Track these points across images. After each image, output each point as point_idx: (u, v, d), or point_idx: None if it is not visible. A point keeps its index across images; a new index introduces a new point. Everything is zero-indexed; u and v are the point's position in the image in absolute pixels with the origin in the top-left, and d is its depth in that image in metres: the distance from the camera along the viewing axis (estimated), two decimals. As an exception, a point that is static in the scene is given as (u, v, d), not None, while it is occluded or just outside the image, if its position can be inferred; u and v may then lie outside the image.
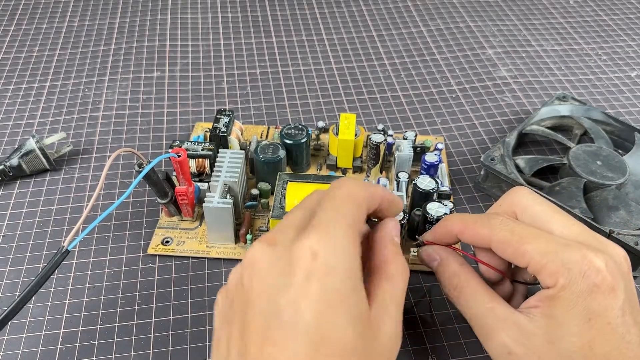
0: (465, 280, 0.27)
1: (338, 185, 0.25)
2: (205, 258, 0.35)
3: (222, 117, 0.40)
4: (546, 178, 0.41)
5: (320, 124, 0.43)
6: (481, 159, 0.39)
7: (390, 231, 0.26)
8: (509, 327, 0.25)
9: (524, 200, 0.27)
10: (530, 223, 0.26)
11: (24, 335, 0.31)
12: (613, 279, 0.23)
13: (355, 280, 0.22)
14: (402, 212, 0.33)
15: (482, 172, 0.40)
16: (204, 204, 0.34)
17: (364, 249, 0.26)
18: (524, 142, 0.45)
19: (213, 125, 0.40)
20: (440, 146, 0.41)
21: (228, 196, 0.35)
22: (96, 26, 0.58)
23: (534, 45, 0.57)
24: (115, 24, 0.59)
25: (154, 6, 0.62)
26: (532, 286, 0.29)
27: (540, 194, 0.29)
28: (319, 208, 0.24)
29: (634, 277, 0.35)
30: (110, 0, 0.63)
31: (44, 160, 0.40)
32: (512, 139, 0.41)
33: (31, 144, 0.40)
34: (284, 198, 0.34)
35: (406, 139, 0.40)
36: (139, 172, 0.33)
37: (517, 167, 0.39)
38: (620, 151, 0.42)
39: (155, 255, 0.36)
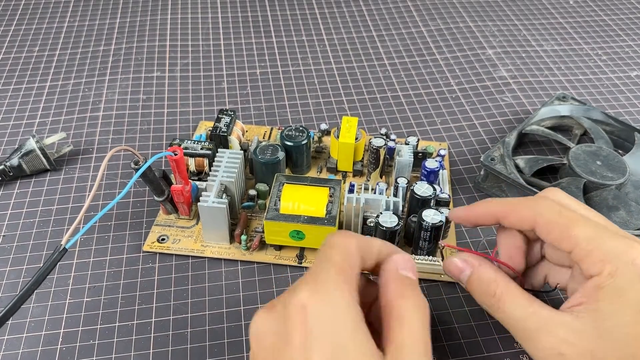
0: (504, 286, 0.26)
1: (330, 236, 0.24)
2: (205, 258, 0.36)
3: (224, 116, 0.40)
4: (546, 178, 0.41)
5: (323, 126, 0.43)
6: (481, 159, 0.39)
7: (394, 265, 0.25)
8: (556, 329, 0.24)
9: (564, 199, 0.27)
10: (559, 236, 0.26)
11: (24, 335, 0.31)
12: None
13: (354, 328, 0.21)
14: (397, 218, 0.33)
15: (482, 172, 0.40)
16: (199, 203, 0.34)
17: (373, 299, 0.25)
18: (524, 142, 0.45)
19: (214, 124, 0.40)
20: (443, 152, 0.41)
21: (224, 196, 0.35)
22: (96, 26, 0.58)
23: (534, 45, 0.57)
24: (115, 24, 0.59)
25: (154, 6, 0.62)
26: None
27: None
28: (314, 263, 0.23)
29: None
30: (110, 1, 0.63)
31: (44, 160, 0.40)
32: (512, 139, 0.41)
33: (31, 144, 0.40)
34: (279, 200, 0.34)
35: (408, 143, 0.40)
36: (136, 170, 0.33)
37: (517, 167, 0.39)
38: (620, 151, 0.42)
39: (155, 254, 0.36)
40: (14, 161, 0.40)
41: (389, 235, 0.33)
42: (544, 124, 0.44)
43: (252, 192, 0.38)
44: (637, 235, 0.34)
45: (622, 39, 0.59)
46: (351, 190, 0.37)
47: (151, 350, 0.31)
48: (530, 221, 0.26)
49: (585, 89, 0.51)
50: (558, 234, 0.25)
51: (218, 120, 0.40)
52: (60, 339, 0.31)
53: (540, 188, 0.38)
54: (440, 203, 0.36)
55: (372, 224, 0.35)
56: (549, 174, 0.41)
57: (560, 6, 0.64)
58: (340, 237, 0.24)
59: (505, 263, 0.28)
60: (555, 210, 0.25)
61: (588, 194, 0.38)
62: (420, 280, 0.34)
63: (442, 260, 0.34)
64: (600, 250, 0.23)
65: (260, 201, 0.38)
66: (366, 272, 0.26)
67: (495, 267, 0.28)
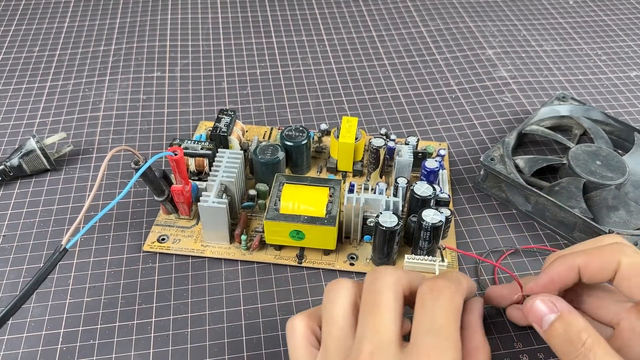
0: (596, 337, 0.24)
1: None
2: (205, 258, 0.36)
3: (224, 116, 0.41)
4: (546, 178, 0.41)
5: (323, 126, 0.43)
6: (481, 159, 0.39)
7: (480, 316, 0.27)
8: None
9: (628, 248, 0.26)
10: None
11: (25, 335, 0.31)
12: None
13: None
14: (396, 218, 0.33)
15: (481, 172, 0.40)
16: (199, 203, 0.34)
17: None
18: (524, 142, 0.45)
19: (214, 124, 0.40)
20: (442, 152, 0.41)
21: (224, 196, 0.35)
22: (96, 26, 0.58)
23: (534, 46, 0.57)
24: (115, 24, 0.59)
25: (154, 6, 0.62)
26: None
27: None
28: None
29: None
30: (111, 1, 0.63)
31: (44, 160, 0.40)
32: (511, 139, 0.41)
33: (32, 144, 0.40)
34: (279, 200, 0.34)
35: (408, 144, 0.40)
36: (136, 170, 0.33)
37: (516, 167, 0.39)
38: (619, 151, 0.42)
39: (155, 254, 0.36)
40: (14, 161, 0.40)
41: (388, 235, 0.33)
42: (543, 124, 0.44)
43: (252, 192, 0.38)
44: (636, 235, 0.34)
45: (622, 39, 0.59)
46: (351, 190, 0.37)
47: (151, 350, 0.31)
48: (612, 268, 0.25)
49: (585, 89, 0.51)
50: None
51: (218, 120, 0.40)
52: (61, 339, 0.31)
53: (540, 188, 0.38)
54: (440, 203, 0.36)
55: (372, 224, 0.35)
56: (548, 174, 0.41)
57: (560, 6, 0.64)
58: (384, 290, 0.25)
59: (517, 280, 0.29)
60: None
61: (588, 193, 0.38)
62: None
63: (442, 259, 0.34)
64: None
65: (260, 201, 0.38)
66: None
67: (584, 316, 0.26)
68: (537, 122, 0.44)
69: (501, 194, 0.40)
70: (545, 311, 0.26)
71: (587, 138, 0.44)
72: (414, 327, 0.24)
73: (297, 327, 0.26)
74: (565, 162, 0.40)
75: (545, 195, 0.37)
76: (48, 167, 0.41)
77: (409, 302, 0.26)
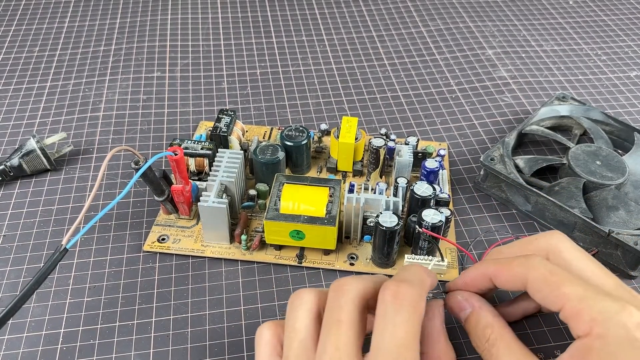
0: (499, 333, 0.26)
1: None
2: (205, 258, 0.36)
3: (224, 116, 0.41)
4: (545, 178, 0.41)
5: (323, 126, 0.43)
6: (481, 159, 0.39)
7: (442, 322, 0.27)
8: None
9: (560, 244, 0.27)
10: (563, 266, 0.26)
11: (25, 334, 0.31)
12: None
13: None
14: (396, 218, 0.33)
15: (481, 172, 0.40)
16: (199, 203, 0.34)
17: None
18: (524, 142, 0.45)
19: (214, 124, 0.40)
20: (442, 152, 0.41)
21: (224, 196, 0.35)
22: (96, 26, 0.58)
23: (534, 46, 0.57)
24: (115, 24, 0.59)
25: (154, 6, 0.62)
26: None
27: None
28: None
29: (634, 277, 0.35)
30: (111, 1, 0.63)
31: (44, 160, 0.40)
32: (511, 139, 0.41)
33: (32, 144, 0.40)
34: (279, 200, 0.34)
35: (408, 144, 0.40)
36: (136, 170, 0.33)
37: (516, 167, 0.40)
38: (619, 151, 0.42)
39: (155, 254, 0.36)
40: (15, 161, 0.40)
41: (388, 235, 0.33)
42: (543, 124, 0.44)
43: (252, 192, 0.38)
44: (636, 235, 0.34)
45: (622, 39, 0.59)
46: (351, 190, 0.37)
47: (151, 350, 0.31)
48: (522, 279, 0.25)
49: (585, 89, 0.51)
50: (548, 293, 0.24)
51: (218, 120, 0.40)
52: (61, 339, 0.31)
53: (540, 188, 0.38)
54: (440, 203, 0.36)
55: (372, 224, 0.35)
56: (548, 174, 0.41)
57: (560, 6, 0.64)
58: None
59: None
60: (547, 269, 0.25)
61: (588, 193, 0.38)
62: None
63: (442, 258, 0.34)
64: (591, 310, 0.22)
65: (260, 201, 0.38)
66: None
67: (495, 312, 0.27)
68: (537, 122, 0.44)
69: (501, 194, 0.40)
70: (461, 305, 0.28)
71: (587, 138, 0.44)
72: (373, 339, 0.23)
73: (264, 335, 0.26)
74: (565, 162, 0.40)
75: (545, 195, 0.37)
76: (48, 167, 0.41)
77: (374, 308, 0.25)
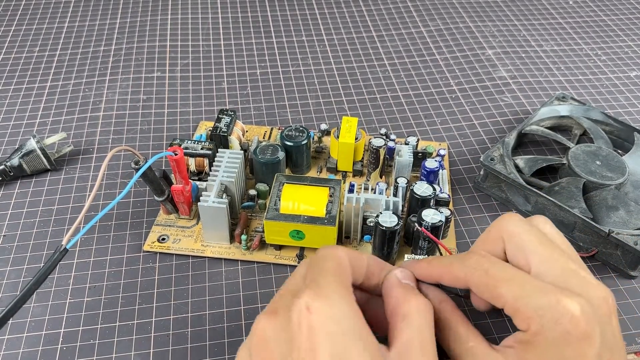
0: (445, 319, 0.26)
1: (322, 249, 0.25)
2: (205, 258, 0.36)
3: (224, 116, 0.41)
4: (545, 178, 0.41)
5: (323, 126, 0.43)
6: (481, 159, 0.39)
7: (395, 276, 0.26)
8: None
9: (512, 227, 0.26)
10: (514, 252, 0.26)
11: (25, 334, 0.31)
12: (587, 324, 0.22)
13: (358, 327, 0.22)
14: (396, 218, 0.33)
15: (481, 172, 0.40)
16: (199, 203, 0.34)
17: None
18: (524, 142, 0.45)
19: (214, 124, 0.40)
20: (442, 152, 0.41)
21: (224, 196, 0.35)
22: (96, 26, 0.58)
23: (534, 46, 0.57)
24: (115, 24, 0.59)
25: (154, 6, 0.62)
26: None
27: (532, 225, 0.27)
28: (308, 271, 0.24)
29: (634, 277, 0.35)
30: (111, 1, 0.63)
31: (44, 160, 0.40)
32: (511, 139, 0.41)
33: (32, 144, 0.40)
34: (279, 200, 0.34)
35: (408, 144, 0.40)
36: (136, 170, 0.33)
37: (516, 167, 0.40)
38: (619, 151, 0.42)
39: (155, 254, 0.36)
40: (15, 161, 0.40)
41: (388, 235, 0.33)
42: (543, 124, 0.44)
43: (252, 192, 0.38)
44: (636, 235, 0.34)
45: (622, 39, 0.59)
46: (351, 190, 0.37)
47: (151, 350, 0.31)
48: (463, 282, 0.25)
49: (584, 89, 0.51)
50: (489, 294, 0.24)
51: (218, 120, 0.40)
52: (61, 339, 0.31)
53: (540, 188, 0.38)
54: (440, 203, 0.36)
55: (372, 224, 0.35)
56: (548, 174, 0.41)
57: (560, 6, 0.64)
58: (332, 249, 0.25)
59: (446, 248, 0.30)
60: (482, 270, 0.25)
61: (587, 193, 0.38)
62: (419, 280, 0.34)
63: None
64: (527, 307, 0.23)
65: (260, 201, 0.38)
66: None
67: (442, 297, 0.27)
68: (537, 122, 0.44)
69: (501, 194, 0.40)
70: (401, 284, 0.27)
71: (587, 138, 0.44)
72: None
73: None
74: (565, 162, 0.40)
75: (545, 195, 0.37)
76: (48, 167, 0.41)
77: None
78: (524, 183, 0.38)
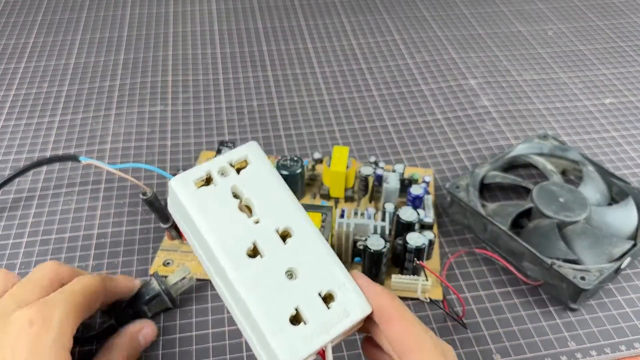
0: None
1: (56, 266, 0.31)
2: (207, 280, 0.38)
3: (224, 148, 0.44)
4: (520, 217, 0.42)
5: (316, 155, 0.47)
6: (446, 186, 0.42)
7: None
8: None
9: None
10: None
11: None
12: None
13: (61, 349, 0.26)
14: (383, 241, 0.36)
15: (448, 199, 0.43)
16: None
17: None
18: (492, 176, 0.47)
19: (215, 155, 0.43)
20: (427, 179, 0.44)
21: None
22: (102, 63, 0.62)
23: (514, 75, 0.61)
24: (119, 60, 0.62)
25: (157, 43, 0.65)
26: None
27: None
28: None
29: (575, 309, 0.37)
30: (115, 38, 0.66)
31: (167, 300, 0.35)
32: (482, 171, 0.44)
33: (154, 286, 0.35)
34: None
35: (395, 171, 0.44)
36: (144, 200, 0.36)
37: (483, 206, 0.41)
38: (573, 182, 0.45)
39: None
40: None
41: (376, 257, 0.36)
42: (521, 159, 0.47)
43: (251, 218, 0.41)
44: (577, 270, 0.36)
45: (597, 67, 0.63)
46: (342, 216, 0.40)
47: (159, 367, 0.33)
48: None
49: (561, 116, 0.55)
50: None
51: (219, 151, 0.43)
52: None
53: (518, 233, 0.40)
54: (424, 226, 0.39)
55: (361, 247, 0.38)
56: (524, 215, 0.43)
57: (539, 37, 0.68)
58: (82, 276, 0.31)
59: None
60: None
61: (561, 230, 0.39)
62: (406, 298, 0.37)
63: (426, 279, 0.37)
64: None
65: (258, 227, 0.41)
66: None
67: None
68: (512, 157, 0.46)
69: (464, 220, 0.42)
70: None
71: (576, 178, 0.46)
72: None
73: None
74: (532, 205, 0.41)
75: (497, 224, 0.39)
76: (170, 306, 0.36)
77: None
78: (482, 212, 0.40)
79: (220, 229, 0.22)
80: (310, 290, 0.21)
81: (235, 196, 0.23)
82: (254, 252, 0.22)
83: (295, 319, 0.21)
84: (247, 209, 0.23)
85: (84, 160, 0.39)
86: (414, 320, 0.24)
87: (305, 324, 0.21)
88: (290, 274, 0.22)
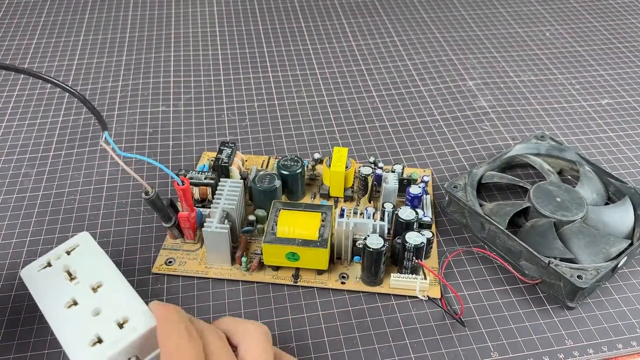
0: None
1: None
2: (209, 279, 0.39)
3: (225, 148, 0.44)
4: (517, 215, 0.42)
5: (316, 155, 0.47)
6: (445, 185, 0.43)
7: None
8: None
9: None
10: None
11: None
12: None
13: None
14: (382, 240, 0.36)
15: (446, 198, 0.43)
16: (203, 229, 0.38)
17: None
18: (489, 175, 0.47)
19: (216, 156, 0.44)
20: (426, 179, 0.44)
21: (226, 222, 0.39)
22: (104, 64, 0.62)
23: (512, 76, 0.61)
24: (122, 61, 0.63)
25: (158, 44, 0.66)
26: None
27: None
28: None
29: (572, 308, 0.37)
30: (117, 39, 0.67)
31: None
32: (480, 170, 0.44)
33: None
34: (276, 224, 0.38)
35: (394, 171, 0.44)
36: (146, 200, 0.36)
37: (489, 210, 0.41)
38: (573, 182, 0.46)
39: (163, 276, 0.39)
40: None
41: (375, 255, 0.36)
42: (518, 159, 0.47)
43: (252, 217, 0.42)
44: (574, 269, 0.36)
45: (594, 68, 0.63)
46: (342, 215, 0.40)
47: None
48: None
49: (559, 117, 0.55)
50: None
51: (220, 151, 0.44)
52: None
53: (515, 232, 0.41)
54: (423, 226, 0.40)
55: (360, 246, 0.38)
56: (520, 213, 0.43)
57: (537, 38, 0.69)
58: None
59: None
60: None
61: (559, 230, 0.40)
62: (405, 296, 0.38)
63: (424, 277, 0.38)
64: None
65: (259, 226, 0.42)
66: None
67: None
68: (510, 157, 0.47)
69: (462, 220, 0.43)
70: None
71: (573, 179, 0.46)
72: None
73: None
74: (529, 204, 0.41)
75: (496, 223, 0.39)
76: None
77: None
78: (480, 212, 0.40)
79: (49, 294, 0.31)
80: (109, 320, 0.30)
81: (66, 270, 0.33)
82: (74, 303, 0.31)
83: (98, 343, 0.29)
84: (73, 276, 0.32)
85: (106, 138, 0.39)
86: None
87: (100, 343, 0.29)
88: (97, 313, 0.30)
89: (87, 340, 0.29)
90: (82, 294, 0.31)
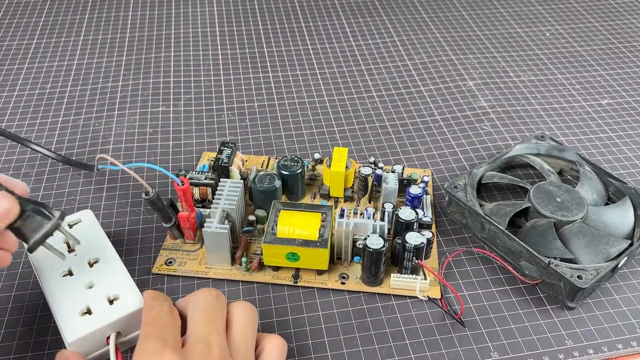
0: None
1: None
2: (209, 279, 0.39)
3: (225, 148, 0.44)
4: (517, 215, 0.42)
5: (316, 155, 0.47)
6: (445, 185, 0.43)
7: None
8: None
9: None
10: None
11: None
12: None
13: None
14: (382, 240, 0.36)
15: (446, 198, 0.43)
16: (203, 229, 0.38)
17: None
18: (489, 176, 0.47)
19: (217, 156, 0.44)
20: (426, 179, 0.44)
21: (226, 222, 0.39)
22: (104, 64, 0.62)
23: (512, 76, 0.61)
24: (122, 62, 0.63)
25: (158, 44, 0.66)
26: None
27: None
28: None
29: (572, 308, 0.37)
30: (117, 39, 0.67)
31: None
32: (480, 171, 0.44)
33: None
34: (276, 225, 0.38)
35: (394, 171, 0.44)
36: (147, 200, 0.36)
37: (490, 211, 0.41)
38: (572, 182, 0.46)
39: (163, 276, 0.39)
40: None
41: (375, 256, 0.36)
42: (518, 160, 0.47)
43: (252, 217, 0.42)
44: (574, 269, 0.36)
45: (594, 68, 0.63)
46: (342, 215, 0.40)
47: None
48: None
49: (559, 117, 0.55)
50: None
51: (220, 152, 0.44)
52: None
53: (515, 232, 0.41)
54: (423, 226, 0.40)
55: (360, 246, 0.38)
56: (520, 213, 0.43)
57: (537, 38, 0.69)
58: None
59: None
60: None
61: (559, 230, 0.40)
62: (405, 296, 0.38)
63: (425, 277, 0.38)
64: None
65: (259, 226, 0.42)
66: None
67: None
68: (510, 157, 0.47)
69: (462, 220, 0.43)
70: None
71: (573, 179, 0.46)
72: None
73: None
74: (529, 204, 0.41)
75: (496, 223, 0.39)
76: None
77: None
78: (481, 212, 0.40)
79: (47, 262, 0.34)
80: (100, 295, 0.32)
81: (66, 241, 0.35)
82: (69, 273, 0.34)
83: (87, 314, 0.31)
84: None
85: (102, 168, 0.41)
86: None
87: (89, 315, 0.31)
88: (90, 286, 0.33)
89: (77, 309, 0.31)
90: (79, 266, 0.34)
